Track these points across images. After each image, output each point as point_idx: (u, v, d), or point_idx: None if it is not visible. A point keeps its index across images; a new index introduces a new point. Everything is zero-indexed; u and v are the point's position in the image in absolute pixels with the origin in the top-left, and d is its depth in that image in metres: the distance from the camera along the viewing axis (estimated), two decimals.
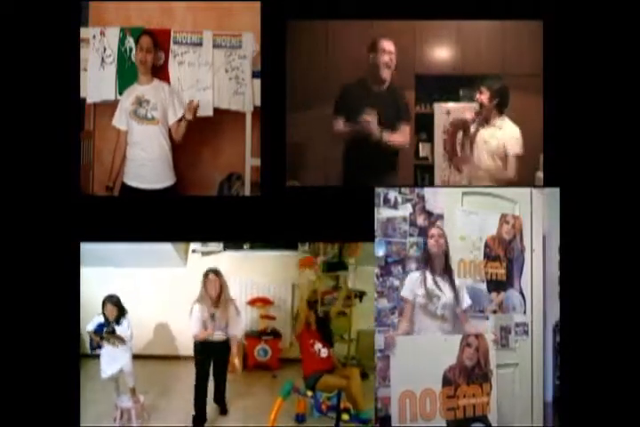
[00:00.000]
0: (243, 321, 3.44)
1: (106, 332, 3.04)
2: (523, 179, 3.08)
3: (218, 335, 3.26)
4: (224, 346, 3.31)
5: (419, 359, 2.52)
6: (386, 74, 3.05)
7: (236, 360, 3.33)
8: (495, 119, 3.01)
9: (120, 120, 3.13)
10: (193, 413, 3.18)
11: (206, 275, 3.26)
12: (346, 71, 3.51)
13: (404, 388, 2.47)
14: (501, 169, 2.98)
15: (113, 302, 3.07)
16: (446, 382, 2.53)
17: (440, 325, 2.66)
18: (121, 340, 3.04)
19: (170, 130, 3.12)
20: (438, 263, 2.70)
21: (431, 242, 2.70)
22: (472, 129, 3.03)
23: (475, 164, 3.02)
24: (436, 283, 2.67)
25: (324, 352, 3.13)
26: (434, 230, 2.73)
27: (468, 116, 3.05)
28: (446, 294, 2.67)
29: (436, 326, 2.66)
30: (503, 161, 2.98)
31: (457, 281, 2.71)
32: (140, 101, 3.08)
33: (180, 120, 3.11)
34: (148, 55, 3.10)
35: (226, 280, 3.30)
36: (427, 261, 2.71)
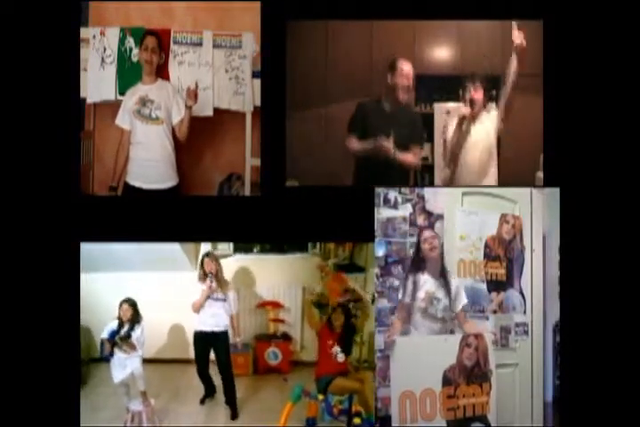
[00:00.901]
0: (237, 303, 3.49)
1: (119, 337, 3.03)
2: (523, 179, 3.09)
3: (217, 327, 3.35)
4: (222, 338, 3.37)
5: (419, 359, 2.52)
6: (403, 96, 3.02)
7: (237, 339, 3.45)
8: (482, 116, 3.00)
9: (123, 119, 3.11)
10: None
11: (202, 259, 3.37)
12: (346, 71, 3.52)
13: (404, 388, 2.46)
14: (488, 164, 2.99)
15: (129, 303, 3.08)
16: (446, 381, 2.52)
17: (441, 327, 2.64)
18: (132, 347, 3.04)
19: (173, 130, 3.11)
20: (434, 266, 2.65)
21: (425, 246, 2.64)
22: (464, 127, 2.98)
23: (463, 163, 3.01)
24: (435, 285, 2.64)
25: (340, 357, 3.09)
26: (426, 233, 2.67)
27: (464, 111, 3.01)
28: (445, 297, 2.65)
29: (437, 328, 2.64)
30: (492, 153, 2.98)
31: (453, 282, 2.68)
32: (143, 101, 3.07)
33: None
34: (154, 55, 3.08)
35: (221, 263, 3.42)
36: (421, 265, 2.66)
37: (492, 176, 3.00)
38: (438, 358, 2.53)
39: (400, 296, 2.68)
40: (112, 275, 3.27)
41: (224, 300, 3.35)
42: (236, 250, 3.91)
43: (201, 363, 3.41)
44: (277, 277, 4.03)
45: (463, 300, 2.68)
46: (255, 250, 3.98)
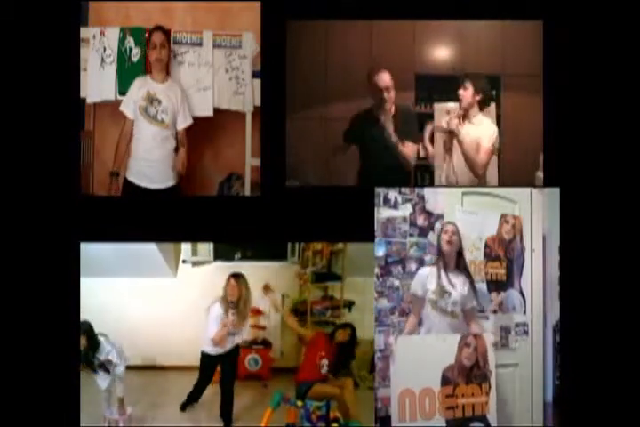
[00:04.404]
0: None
1: (97, 363, 2.98)
2: (523, 179, 3.08)
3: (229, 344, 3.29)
4: (233, 354, 3.33)
5: (418, 358, 2.53)
6: (388, 107, 3.04)
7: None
8: (475, 116, 2.98)
9: (128, 107, 3.08)
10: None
11: (228, 279, 3.24)
12: (346, 71, 3.52)
13: (403, 387, 2.47)
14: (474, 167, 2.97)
15: (82, 330, 2.88)
16: (445, 381, 2.54)
17: (450, 321, 2.66)
18: (110, 364, 3.00)
19: (176, 133, 3.11)
20: (450, 260, 2.68)
21: (445, 238, 2.67)
22: (453, 126, 2.99)
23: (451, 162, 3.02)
24: (448, 279, 2.66)
25: (324, 370, 3.11)
26: (448, 227, 2.70)
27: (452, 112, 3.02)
28: (457, 291, 2.66)
29: (445, 322, 2.66)
30: (474, 157, 2.94)
31: (466, 279, 2.70)
32: (151, 99, 3.05)
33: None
34: (163, 51, 3.07)
35: (249, 287, 3.28)
36: (439, 257, 2.70)
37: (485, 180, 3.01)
38: (437, 358, 2.54)
39: (414, 289, 2.71)
40: (88, 280, 3.20)
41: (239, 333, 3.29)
42: (217, 257, 3.85)
43: (205, 380, 3.38)
44: (257, 284, 4.02)
45: (473, 301, 2.71)
46: (236, 257, 3.94)
